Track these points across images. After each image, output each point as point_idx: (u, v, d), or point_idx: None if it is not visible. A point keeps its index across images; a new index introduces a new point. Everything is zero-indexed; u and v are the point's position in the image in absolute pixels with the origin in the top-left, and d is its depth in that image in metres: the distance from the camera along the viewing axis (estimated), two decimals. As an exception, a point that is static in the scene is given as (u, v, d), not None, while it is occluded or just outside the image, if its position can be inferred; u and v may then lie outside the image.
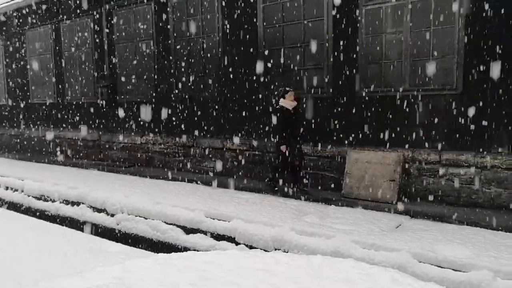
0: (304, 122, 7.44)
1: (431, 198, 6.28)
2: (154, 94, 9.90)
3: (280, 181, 7.36)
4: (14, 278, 4.50)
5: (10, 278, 4.51)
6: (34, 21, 12.95)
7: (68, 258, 5.13)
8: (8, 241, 5.95)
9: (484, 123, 5.88)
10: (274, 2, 7.72)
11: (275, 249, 5.10)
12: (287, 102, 6.96)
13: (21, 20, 13.48)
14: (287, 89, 7.09)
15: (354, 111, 7.01)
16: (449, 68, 6.12)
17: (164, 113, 9.73)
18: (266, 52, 7.93)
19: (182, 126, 9.44)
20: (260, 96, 8.09)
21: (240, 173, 8.45)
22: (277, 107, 7.08)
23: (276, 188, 7.30)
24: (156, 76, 9.82)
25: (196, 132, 9.20)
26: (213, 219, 5.95)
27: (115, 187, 8.06)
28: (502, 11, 5.67)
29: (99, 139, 11.38)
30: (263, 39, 7.95)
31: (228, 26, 8.42)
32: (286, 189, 7.23)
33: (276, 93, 7.41)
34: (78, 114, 11.90)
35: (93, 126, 11.51)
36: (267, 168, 8.04)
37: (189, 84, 9.20)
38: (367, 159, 6.68)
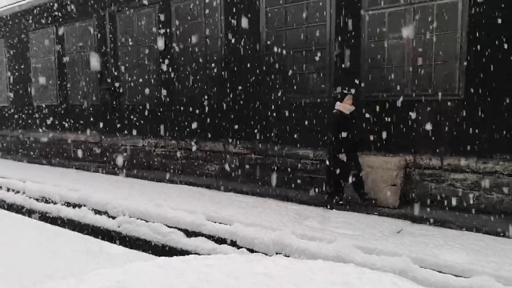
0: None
1: (432, 203, 6.26)
2: (156, 97, 9.92)
3: (336, 192, 6.67)
4: (16, 279, 4.51)
5: (12, 279, 4.52)
6: (37, 23, 13.01)
7: (69, 260, 5.13)
8: (9, 242, 5.96)
9: (486, 129, 5.87)
10: (277, 6, 7.74)
11: (276, 253, 5.09)
12: (345, 106, 6.40)
13: (24, 22, 13.55)
14: (345, 92, 6.51)
15: (355, 115, 7.00)
16: (452, 74, 6.12)
17: (166, 116, 9.76)
18: (269, 56, 7.94)
19: (184, 129, 9.45)
20: (262, 100, 8.09)
21: (242, 177, 8.45)
22: (334, 111, 6.49)
23: (335, 200, 6.56)
24: (158, 79, 9.85)
25: (198, 135, 9.21)
26: (214, 222, 5.95)
27: (117, 190, 8.07)
28: (505, 17, 5.67)
29: (100, 142, 11.40)
30: (266, 43, 7.97)
31: (230, 29, 8.45)
32: (344, 200, 6.60)
33: (333, 96, 6.74)
34: (80, 117, 11.93)
35: (95, 128, 11.53)
36: (268, 171, 8.04)
37: (192, 87, 9.22)
38: (369, 163, 6.67)
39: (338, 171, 6.38)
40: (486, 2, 5.79)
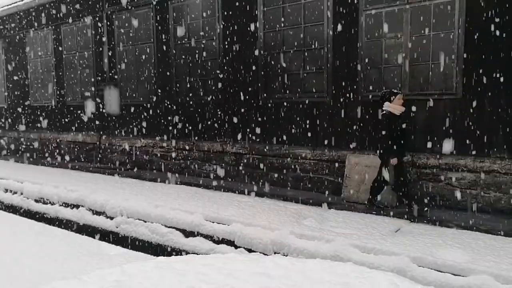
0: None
1: (430, 202, 6.27)
2: (154, 97, 9.92)
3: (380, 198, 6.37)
4: (15, 280, 4.50)
5: (11, 280, 4.51)
6: (35, 23, 12.98)
7: (67, 261, 5.12)
8: (6, 243, 5.94)
9: (484, 127, 5.89)
10: (275, 6, 7.75)
11: (275, 253, 5.09)
12: (395, 107, 5.91)
13: (21, 23, 13.52)
14: (394, 91, 6.05)
15: (353, 115, 7.02)
16: (449, 73, 6.14)
17: (164, 116, 9.75)
18: (266, 56, 7.95)
19: (182, 129, 9.44)
20: (260, 100, 8.10)
21: (240, 177, 8.45)
22: (383, 112, 6.01)
23: (377, 207, 6.25)
24: (156, 79, 9.84)
25: (196, 135, 9.21)
26: (213, 222, 5.94)
27: (115, 190, 8.05)
28: (502, 16, 5.68)
29: (99, 142, 11.38)
30: (263, 42, 7.97)
31: (228, 29, 8.45)
32: (393, 208, 6.19)
33: (380, 96, 6.22)
34: (78, 117, 11.92)
35: (93, 129, 11.52)
36: (266, 171, 8.05)
37: (189, 87, 9.22)
38: (367, 163, 6.68)
39: (383, 177, 6.00)
40: (482, 1, 5.80)
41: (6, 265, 4.97)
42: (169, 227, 6.14)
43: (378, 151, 6.20)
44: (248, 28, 8.13)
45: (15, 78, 14.08)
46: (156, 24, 9.70)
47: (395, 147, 5.87)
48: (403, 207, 6.21)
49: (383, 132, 5.97)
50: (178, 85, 9.43)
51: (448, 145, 6.17)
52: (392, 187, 6.14)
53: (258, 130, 8.17)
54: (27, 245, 5.82)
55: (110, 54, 10.83)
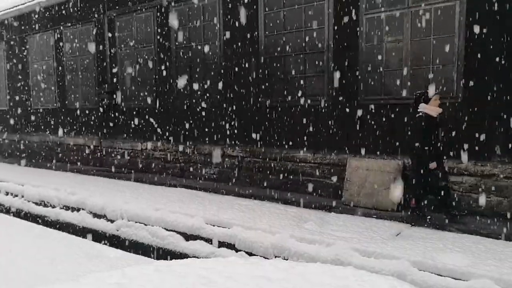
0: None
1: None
2: (154, 100, 9.93)
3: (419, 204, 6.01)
4: (14, 283, 4.49)
5: (10, 283, 4.50)
6: (37, 27, 13.03)
7: (66, 264, 5.12)
8: (6, 246, 5.94)
9: (484, 131, 5.89)
10: (275, 10, 7.77)
11: (275, 256, 5.08)
12: (432, 108, 5.68)
13: (23, 26, 13.56)
14: (429, 91, 5.79)
15: (354, 118, 7.02)
16: (449, 77, 6.14)
17: (165, 119, 9.76)
18: (267, 60, 7.96)
19: (183, 132, 9.45)
20: (261, 103, 8.10)
21: (240, 180, 8.45)
22: (418, 114, 5.76)
23: (423, 215, 5.87)
24: (157, 83, 9.86)
25: (197, 139, 9.21)
26: (213, 225, 5.94)
27: (115, 193, 8.05)
28: (502, 20, 5.69)
29: (99, 145, 11.39)
30: (264, 47, 7.99)
31: (229, 33, 8.47)
32: (431, 216, 5.86)
33: (414, 97, 5.95)
34: (79, 120, 11.93)
35: (93, 132, 11.53)
36: (267, 174, 8.05)
37: (190, 91, 9.23)
38: (367, 166, 6.68)
39: (425, 182, 5.76)
40: (482, 5, 5.82)
41: (2, 267, 4.97)
42: (169, 230, 6.13)
43: (414, 155, 5.91)
44: (249, 32, 8.15)
45: (17, 81, 14.11)
46: (157, 28, 9.72)
47: (433, 150, 5.62)
48: (403, 211, 6.21)
49: (418, 135, 5.71)
50: (178, 88, 9.44)
51: (448, 149, 6.17)
52: (423, 192, 5.89)
53: (258, 134, 8.17)
54: (27, 248, 5.82)
55: (111, 57, 10.85)
